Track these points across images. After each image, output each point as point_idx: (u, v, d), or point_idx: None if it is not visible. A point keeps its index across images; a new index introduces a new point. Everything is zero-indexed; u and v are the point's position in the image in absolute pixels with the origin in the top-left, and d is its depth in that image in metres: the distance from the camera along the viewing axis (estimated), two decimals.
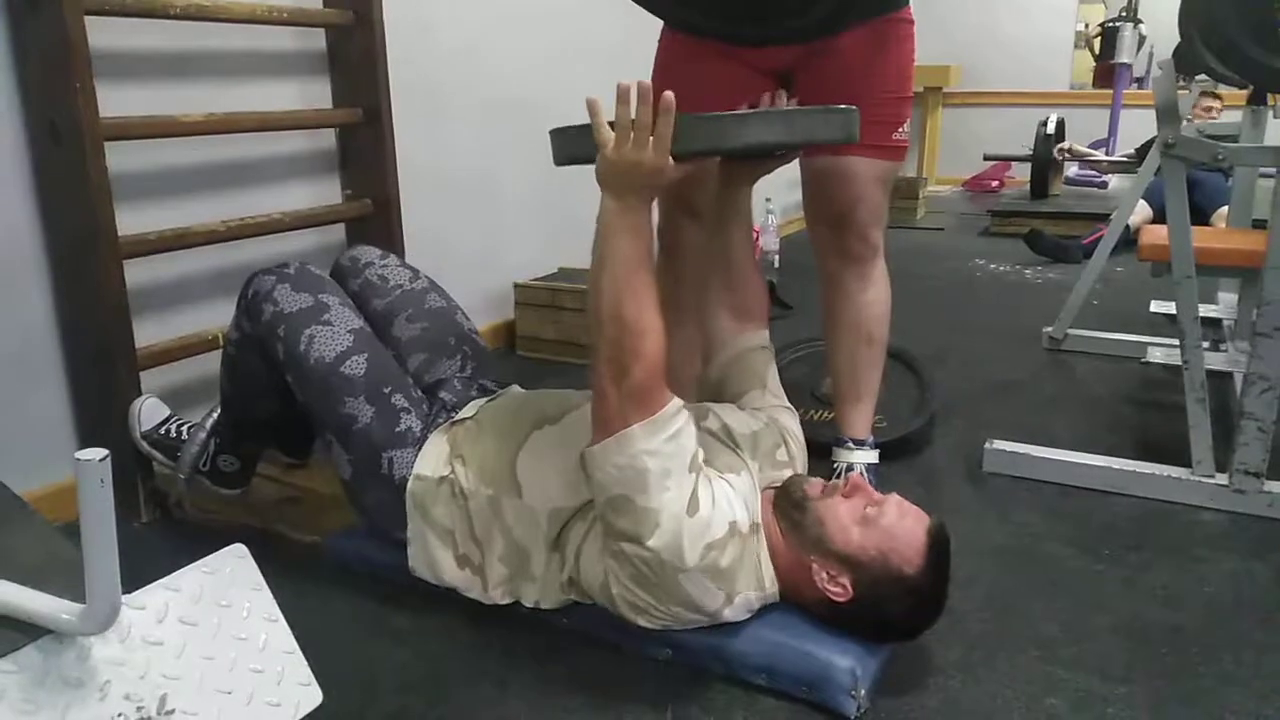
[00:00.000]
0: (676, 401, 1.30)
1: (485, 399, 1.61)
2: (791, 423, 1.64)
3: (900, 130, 1.69)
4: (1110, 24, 6.02)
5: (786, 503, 1.39)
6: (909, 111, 1.74)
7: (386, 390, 1.53)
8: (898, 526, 1.30)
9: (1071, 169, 5.92)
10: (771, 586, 1.36)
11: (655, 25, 1.74)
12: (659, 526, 1.24)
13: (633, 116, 1.19)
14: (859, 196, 1.69)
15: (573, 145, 1.29)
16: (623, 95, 1.18)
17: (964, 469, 2.11)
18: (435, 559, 1.49)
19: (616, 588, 1.32)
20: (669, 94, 1.16)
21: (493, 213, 2.99)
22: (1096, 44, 6.29)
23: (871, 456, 1.89)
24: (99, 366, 1.81)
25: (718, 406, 1.57)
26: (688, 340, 1.76)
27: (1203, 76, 3.94)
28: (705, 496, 1.28)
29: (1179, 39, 2.40)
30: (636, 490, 1.25)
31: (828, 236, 1.77)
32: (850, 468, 1.85)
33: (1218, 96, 4.90)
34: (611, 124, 1.22)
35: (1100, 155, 5.75)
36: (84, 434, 1.88)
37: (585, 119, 1.25)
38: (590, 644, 1.43)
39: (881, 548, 1.29)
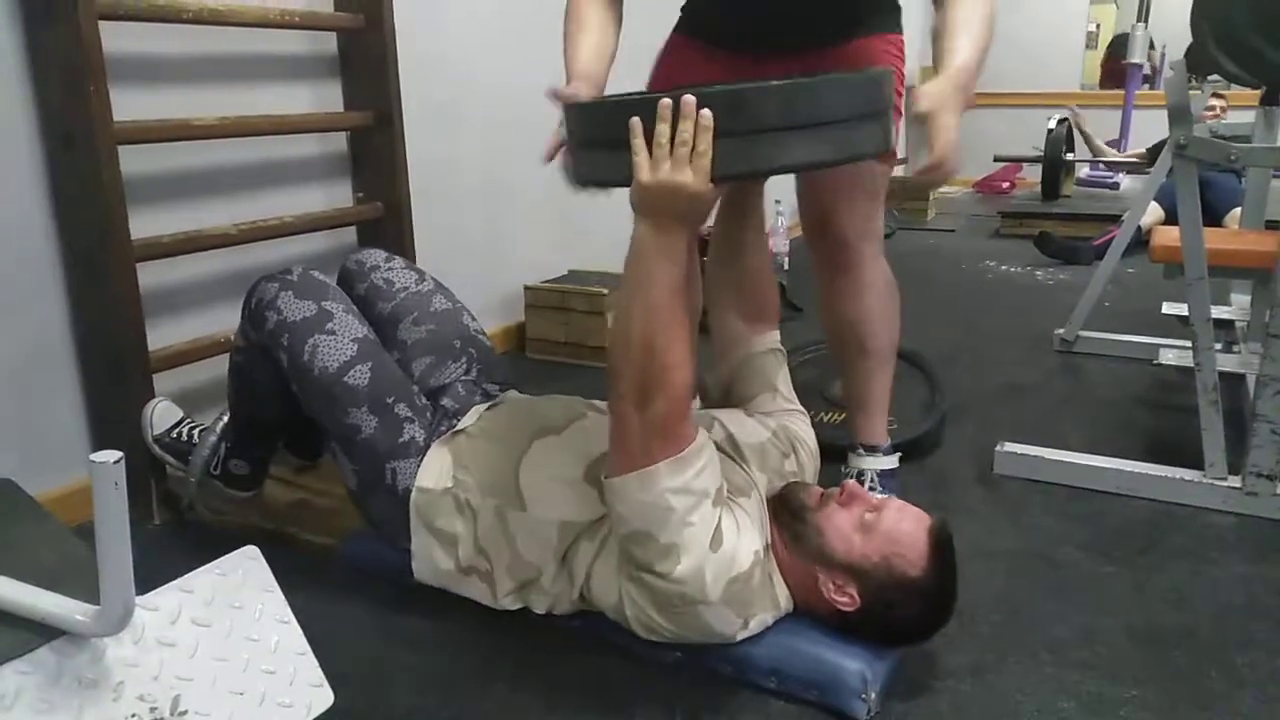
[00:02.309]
0: (702, 435, 1.29)
1: (485, 405, 1.60)
2: (803, 428, 1.63)
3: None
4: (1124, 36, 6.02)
5: (785, 513, 1.38)
6: (899, 123, 1.71)
7: (390, 400, 1.52)
8: (898, 530, 1.30)
9: (1083, 170, 5.91)
10: (786, 604, 1.36)
11: (662, 32, 1.74)
12: (682, 562, 1.23)
13: (671, 135, 1.09)
14: (837, 203, 1.65)
15: (599, 169, 1.21)
16: (664, 113, 1.08)
17: (975, 471, 2.10)
18: (441, 569, 1.49)
19: (632, 609, 1.32)
20: (707, 111, 1.07)
21: (503, 215, 2.99)
22: (1101, 41, 6.29)
23: (886, 463, 1.86)
24: (113, 369, 1.82)
25: (724, 414, 1.56)
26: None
27: (1215, 77, 3.93)
28: (730, 529, 1.27)
29: (1190, 39, 2.39)
30: (660, 526, 1.23)
31: (816, 245, 1.73)
32: (861, 474, 1.84)
33: (1221, 96, 4.88)
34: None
35: (1104, 146, 5.73)
36: (98, 437, 1.89)
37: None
38: (601, 646, 1.43)
39: (884, 553, 1.29)
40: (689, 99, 1.08)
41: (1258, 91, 2.79)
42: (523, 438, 1.48)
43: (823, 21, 1.58)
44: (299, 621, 1.13)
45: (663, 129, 1.09)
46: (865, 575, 1.29)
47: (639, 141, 1.11)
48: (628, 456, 1.24)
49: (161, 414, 1.82)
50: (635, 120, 1.11)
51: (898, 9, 1.67)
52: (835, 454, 1.89)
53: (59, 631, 0.91)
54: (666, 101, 1.08)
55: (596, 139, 1.20)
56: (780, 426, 1.58)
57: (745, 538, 1.29)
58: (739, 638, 1.32)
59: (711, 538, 1.24)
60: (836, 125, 1.15)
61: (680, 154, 1.09)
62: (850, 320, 1.76)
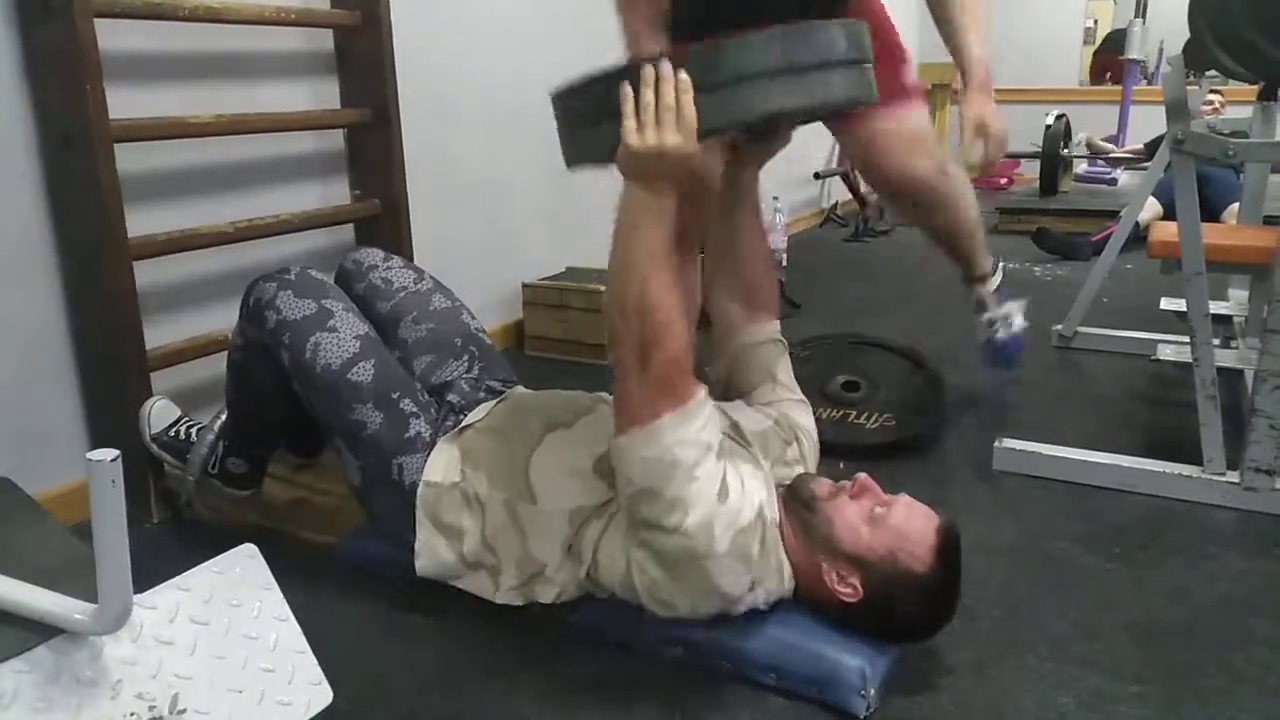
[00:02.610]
0: (703, 390, 1.30)
1: (493, 401, 1.60)
2: (804, 417, 1.63)
3: (906, 68, 1.83)
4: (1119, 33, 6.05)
5: (795, 502, 1.39)
6: (906, 56, 1.86)
7: (394, 396, 1.52)
8: (906, 525, 1.30)
9: (1081, 166, 5.91)
10: (789, 583, 1.36)
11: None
12: (690, 514, 1.24)
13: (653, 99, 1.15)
14: (893, 165, 1.82)
15: (588, 146, 1.25)
16: (647, 78, 1.15)
17: (975, 468, 2.10)
18: (446, 563, 1.49)
19: (640, 577, 1.32)
20: (684, 74, 1.14)
21: (501, 212, 2.99)
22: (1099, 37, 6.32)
23: (996, 280, 2.24)
24: (110, 368, 1.82)
25: (727, 405, 1.56)
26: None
27: (1213, 72, 3.92)
28: (734, 482, 1.28)
29: (1188, 34, 2.39)
30: (667, 480, 1.24)
31: (888, 197, 1.99)
32: (985, 300, 2.23)
33: (1218, 92, 4.88)
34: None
35: (1114, 149, 5.75)
36: (95, 435, 1.89)
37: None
38: (600, 643, 1.44)
39: (891, 547, 1.29)
40: (664, 63, 1.14)
41: (1255, 87, 2.79)
42: (533, 433, 1.49)
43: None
44: (297, 619, 1.12)
45: (646, 94, 1.16)
46: (870, 567, 1.29)
47: (628, 107, 1.17)
48: (632, 415, 1.26)
49: (159, 412, 1.82)
50: (625, 88, 1.17)
51: None
52: (841, 451, 1.89)
53: (57, 630, 0.91)
54: (649, 69, 1.15)
55: (582, 117, 1.25)
56: (781, 415, 1.59)
57: (750, 490, 1.30)
58: (746, 600, 1.32)
59: (719, 490, 1.25)
60: (813, 70, 1.18)
61: (665, 118, 1.15)
62: (949, 223, 2.03)
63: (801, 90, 1.18)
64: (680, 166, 1.19)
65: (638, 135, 1.17)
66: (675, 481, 1.24)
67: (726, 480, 1.27)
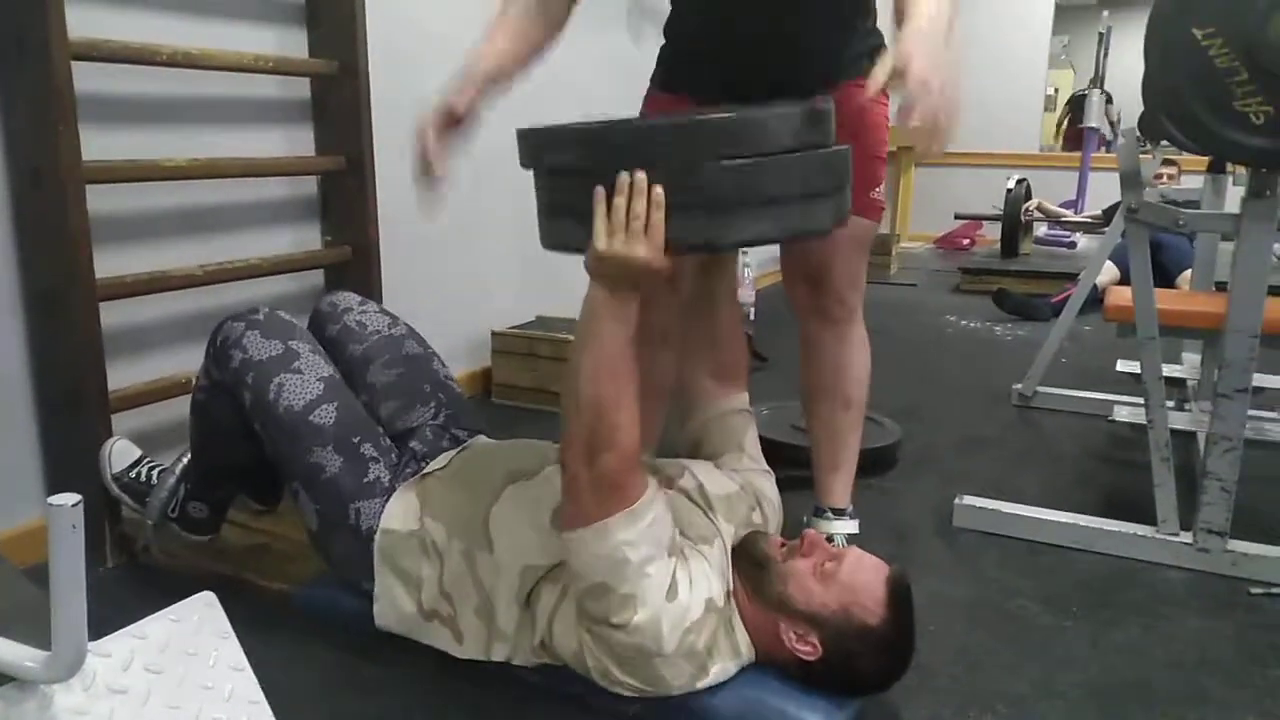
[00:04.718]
0: (652, 487, 1.30)
1: (455, 450, 1.60)
2: (768, 487, 1.65)
3: (877, 190, 1.68)
4: (1080, 94, 6.25)
5: (747, 563, 1.39)
6: (884, 172, 1.72)
7: (355, 440, 1.52)
8: (856, 579, 1.31)
9: (1041, 229, 6.06)
10: (748, 653, 1.36)
11: (641, 81, 1.77)
12: (639, 612, 1.24)
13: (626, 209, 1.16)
14: (833, 257, 1.67)
15: (564, 233, 1.26)
16: (621, 186, 1.16)
17: (934, 524, 2.12)
18: (403, 612, 1.47)
19: (592, 661, 1.31)
20: (659, 188, 1.14)
21: (471, 261, 3.00)
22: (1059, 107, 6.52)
23: (852, 527, 1.86)
24: (71, 408, 1.79)
25: (694, 464, 1.57)
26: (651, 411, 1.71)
27: (1166, 142, 4.07)
28: (683, 579, 1.28)
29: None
30: (616, 578, 1.24)
31: (804, 296, 1.74)
32: (830, 540, 1.80)
33: (1173, 162, 5.05)
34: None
35: (1068, 214, 5.91)
36: (52, 476, 1.85)
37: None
38: (560, 698, 1.42)
39: (843, 602, 1.30)
40: (640, 174, 1.14)
41: (1208, 158, 2.89)
42: (494, 482, 1.48)
43: (801, 71, 1.57)
44: (253, 669, 1.11)
45: (618, 202, 1.16)
46: (825, 624, 1.30)
47: (600, 210, 1.17)
48: (580, 510, 1.26)
49: (119, 453, 1.79)
50: (599, 190, 1.17)
51: (874, 51, 1.62)
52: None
53: (6, 678, 0.89)
54: (624, 177, 1.15)
55: (560, 207, 1.25)
56: (747, 483, 1.60)
57: (699, 587, 1.29)
58: (700, 687, 1.31)
59: (667, 588, 1.25)
60: (793, 202, 1.19)
61: (635, 227, 1.15)
62: (836, 370, 1.78)
63: (778, 221, 1.19)
64: (644, 276, 1.19)
65: (606, 240, 1.17)
66: (627, 579, 1.24)
67: (675, 577, 1.27)
